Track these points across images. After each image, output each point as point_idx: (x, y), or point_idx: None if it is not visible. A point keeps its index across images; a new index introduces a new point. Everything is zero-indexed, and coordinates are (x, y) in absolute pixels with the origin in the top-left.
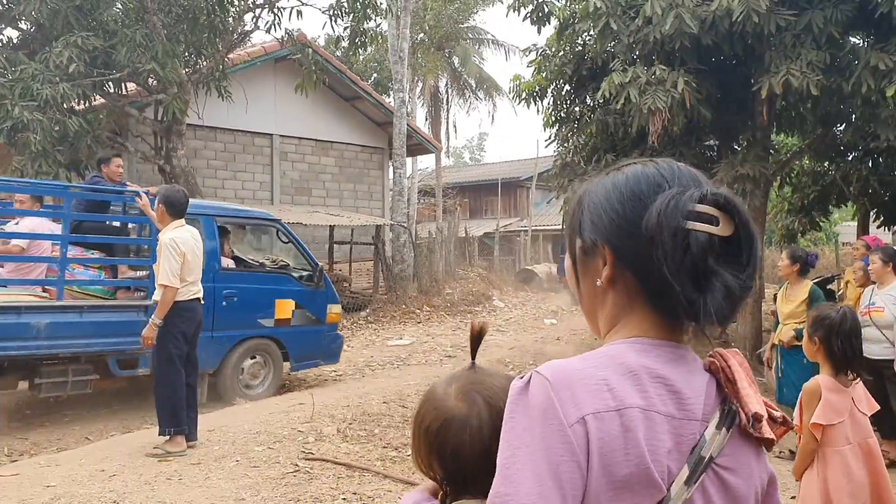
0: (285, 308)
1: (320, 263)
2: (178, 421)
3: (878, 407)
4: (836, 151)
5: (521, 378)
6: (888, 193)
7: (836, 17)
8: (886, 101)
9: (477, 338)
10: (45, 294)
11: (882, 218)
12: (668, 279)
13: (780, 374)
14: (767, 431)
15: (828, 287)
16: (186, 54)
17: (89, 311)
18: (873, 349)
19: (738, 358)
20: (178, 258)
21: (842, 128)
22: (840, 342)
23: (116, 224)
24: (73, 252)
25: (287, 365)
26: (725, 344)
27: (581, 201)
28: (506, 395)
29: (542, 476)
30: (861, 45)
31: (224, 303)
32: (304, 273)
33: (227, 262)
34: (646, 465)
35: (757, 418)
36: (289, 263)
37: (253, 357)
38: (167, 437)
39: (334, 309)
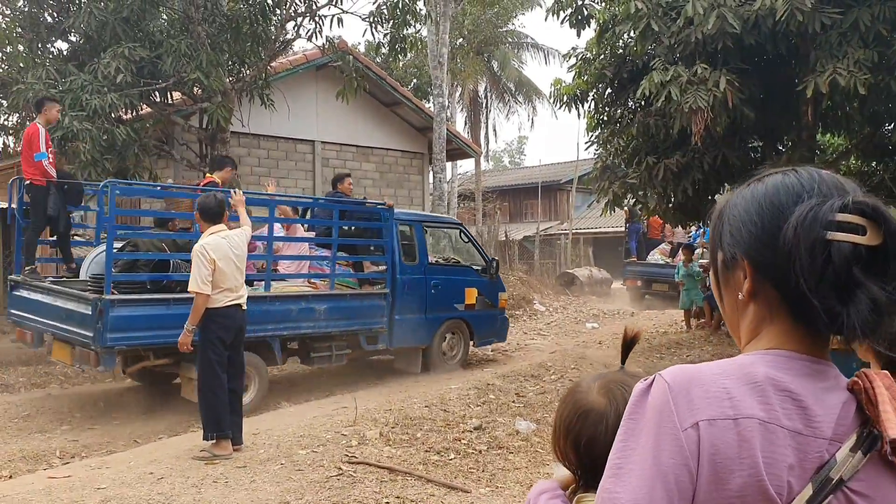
0: (472, 295)
1: (496, 258)
2: (221, 426)
3: None
4: (884, 151)
5: (646, 380)
6: None
7: (884, 15)
8: None
9: (629, 343)
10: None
11: None
12: (814, 295)
13: None
14: None
15: None
16: (230, 63)
17: (349, 298)
18: None
19: (886, 381)
20: (209, 265)
21: (890, 127)
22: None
23: (355, 229)
24: (327, 252)
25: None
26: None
27: (722, 214)
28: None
29: (650, 478)
30: None
31: (433, 291)
32: (481, 267)
33: (432, 259)
34: (759, 478)
35: (893, 445)
36: (459, 260)
37: (452, 334)
38: (212, 441)
39: (503, 296)
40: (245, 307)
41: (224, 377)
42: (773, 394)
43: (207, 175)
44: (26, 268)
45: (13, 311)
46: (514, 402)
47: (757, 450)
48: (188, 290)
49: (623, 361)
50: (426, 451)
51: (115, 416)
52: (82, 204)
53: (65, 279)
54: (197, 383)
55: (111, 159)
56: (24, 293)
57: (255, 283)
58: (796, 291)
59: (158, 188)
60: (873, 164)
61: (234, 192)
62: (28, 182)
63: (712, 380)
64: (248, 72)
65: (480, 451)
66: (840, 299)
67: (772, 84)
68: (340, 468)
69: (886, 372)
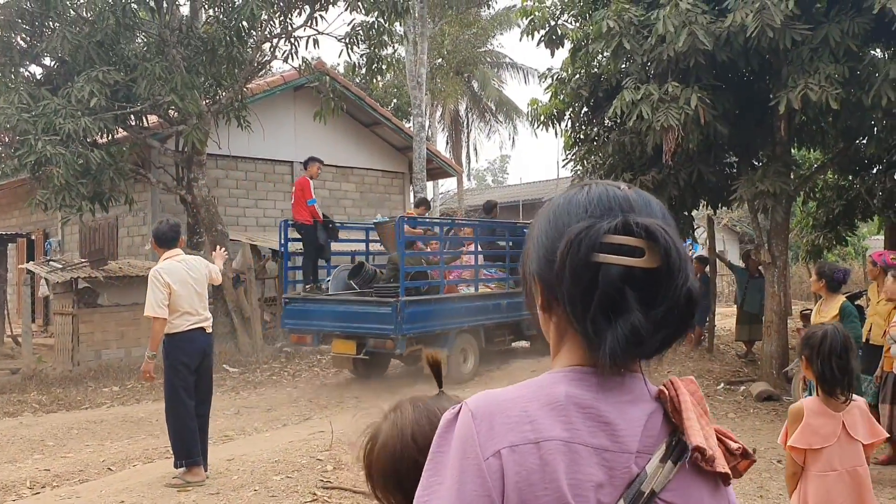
0: None
1: None
2: (191, 453)
3: (885, 434)
4: (859, 165)
5: (453, 409)
6: None
7: (854, 30)
8: None
9: (435, 367)
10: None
11: None
12: (569, 315)
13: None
14: (721, 465)
15: (855, 303)
16: (206, 85)
17: (510, 296)
18: None
19: (690, 387)
20: (163, 289)
21: (864, 141)
22: (820, 363)
23: (502, 244)
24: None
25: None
26: (752, 364)
27: (530, 228)
28: (434, 415)
29: None
30: (880, 57)
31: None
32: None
33: None
34: (564, 501)
35: (699, 451)
36: None
37: None
38: (183, 469)
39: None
40: (210, 331)
41: (191, 403)
42: (575, 412)
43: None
44: (306, 286)
45: (288, 322)
46: None
47: (560, 472)
48: (145, 314)
49: (439, 385)
50: None
51: (88, 443)
52: (338, 238)
53: (311, 293)
54: (165, 410)
55: (86, 184)
56: (303, 306)
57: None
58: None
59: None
60: (849, 178)
61: (218, 248)
62: (298, 223)
63: (514, 404)
64: (224, 94)
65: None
66: (607, 323)
67: (745, 100)
68: (315, 494)
69: (691, 378)
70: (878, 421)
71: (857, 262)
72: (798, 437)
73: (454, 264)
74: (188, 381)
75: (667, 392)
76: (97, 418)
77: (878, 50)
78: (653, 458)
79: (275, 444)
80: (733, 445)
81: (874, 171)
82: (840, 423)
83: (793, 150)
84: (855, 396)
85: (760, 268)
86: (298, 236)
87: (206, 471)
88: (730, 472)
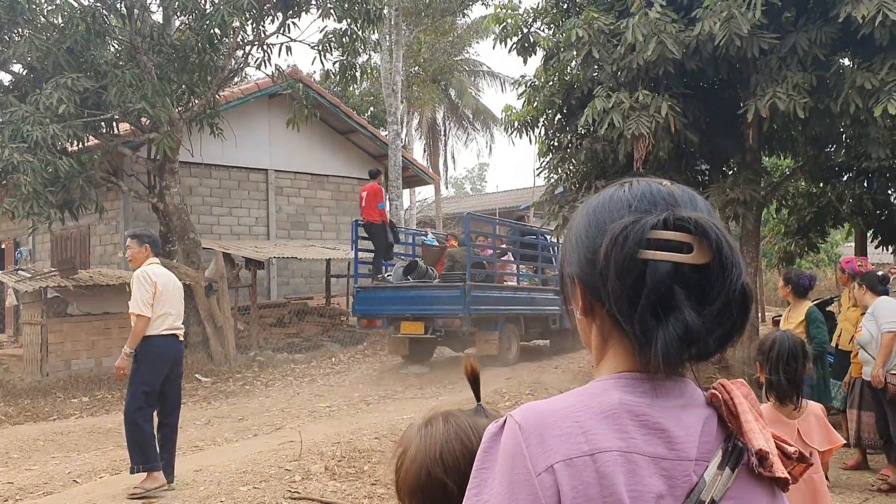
0: None
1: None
2: (148, 458)
3: (842, 441)
4: (829, 172)
5: (497, 422)
6: (883, 213)
7: (821, 39)
8: (875, 120)
9: (473, 378)
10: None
11: (879, 237)
12: (617, 315)
13: None
14: (780, 470)
15: (827, 309)
16: (178, 93)
17: (540, 291)
18: (867, 371)
19: (743, 389)
20: (150, 288)
21: (833, 148)
22: (769, 369)
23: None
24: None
25: None
26: (725, 370)
27: (568, 227)
28: (467, 435)
29: None
30: (847, 65)
31: None
32: None
33: None
34: None
35: (762, 455)
36: None
37: None
38: (144, 476)
39: None
40: (182, 339)
41: (151, 410)
42: (630, 420)
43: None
44: (378, 276)
45: (359, 308)
46: None
47: (620, 484)
48: (129, 311)
49: (477, 398)
50: (372, 484)
51: (54, 455)
52: (399, 240)
53: (380, 283)
54: (124, 415)
55: (55, 192)
56: (373, 294)
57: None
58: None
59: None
60: (820, 185)
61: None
62: (368, 222)
63: (565, 415)
64: (196, 101)
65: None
66: (657, 322)
67: (715, 108)
68: None
69: (742, 381)
70: (847, 426)
71: (831, 269)
72: None
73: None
74: (154, 386)
75: (720, 396)
76: (65, 429)
77: (845, 59)
78: (710, 466)
79: (244, 455)
80: (790, 449)
81: (844, 178)
82: (794, 430)
83: (763, 158)
84: (811, 403)
85: None
86: (366, 235)
87: (172, 482)
88: (789, 476)
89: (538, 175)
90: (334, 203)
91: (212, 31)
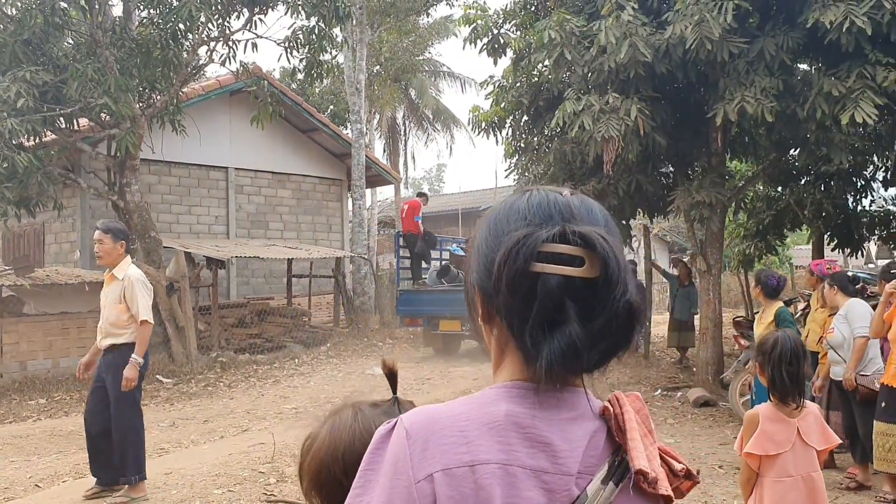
0: None
1: None
2: (141, 467)
3: (837, 441)
4: (789, 176)
5: (388, 423)
6: (841, 217)
7: (788, 44)
8: (840, 126)
9: (390, 375)
10: None
11: (836, 241)
12: (505, 327)
13: (753, 398)
14: (664, 487)
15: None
16: (140, 88)
17: None
18: (837, 371)
19: (636, 404)
20: (150, 294)
21: (795, 152)
22: (771, 369)
23: None
24: None
25: None
26: (687, 370)
27: (472, 237)
28: (371, 436)
29: None
30: (813, 71)
31: None
32: None
33: None
34: None
35: (643, 476)
36: None
37: None
38: (130, 485)
39: None
40: None
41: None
42: (514, 433)
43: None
44: (418, 281)
45: (402, 308)
46: None
47: (496, 498)
48: (141, 319)
49: (394, 391)
50: None
51: (13, 459)
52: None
53: (421, 287)
54: (117, 423)
55: (11, 187)
56: (415, 296)
57: None
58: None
59: None
60: (779, 189)
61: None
62: (407, 233)
63: (451, 423)
64: (158, 97)
65: None
66: (544, 335)
67: (682, 111)
68: None
69: (637, 394)
70: None
71: (783, 271)
72: (754, 444)
73: None
74: (141, 392)
75: (611, 409)
76: (23, 433)
77: (812, 64)
78: (594, 479)
79: (214, 457)
80: (677, 466)
81: (803, 182)
82: (795, 429)
83: (727, 162)
84: (809, 403)
85: (692, 276)
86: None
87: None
88: (672, 494)
89: (507, 177)
90: (295, 202)
91: (177, 26)
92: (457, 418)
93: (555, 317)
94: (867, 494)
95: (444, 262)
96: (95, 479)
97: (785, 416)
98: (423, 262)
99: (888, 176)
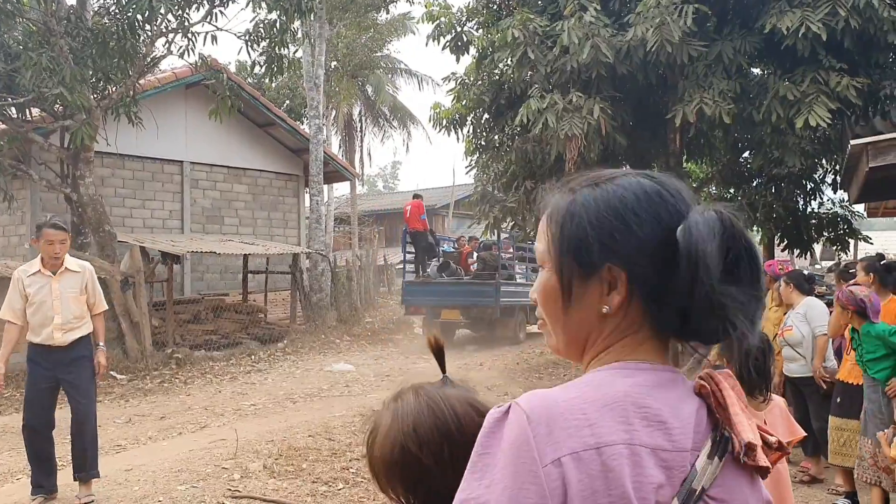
0: None
1: None
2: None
3: (802, 433)
4: (742, 178)
5: (499, 407)
6: (790, 218)
7: (745, 49)
8: (794, 129)
9: (437, 351)
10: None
11: (786, 242)
12: (698, 306)
13: None
14: (762, 459)
15: None
16: (95, 79)
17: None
18: (792, 367)
19: (730, 381)
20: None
21: (749, 155)
22: (739, 363)
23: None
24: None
25: None
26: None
27: (567, 217)
28: (438, 406)
29: None
30: (769, 75)
31: None
32: None
33: None
34: None
35: (750, 448)
36: None
37: None
38: (86, 481)
39: None
40: None
41: None
42: (633, 412)
43: None
44: (421, 275)
45: (407, 298)
46: None
47: (626, 477)
48: (103, 309)
49: (443, 370)
50: (313, 481)
51: None
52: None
53: (425, 279)
54: (86, 417)
55: None
56: (420, 287)
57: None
58: (666, 303)
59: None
60: (731, 190)
61: None
62: (414, 231)
63: (571, 406)
64: (114, 89)
65: (369, 480)
66: (713, 309)
67: (642, 112)
68: (224, 503)
69: (728, 371)
70: None
71: None
72: None
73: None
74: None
75: (707, 387)
76: None
77: (768, 68)
78: (701, 455)
79: (174, 453)
80: (771, 439)
81: (755, 184)
82: (761, 421)
83: (683, 163)
84: (775, 396)
85: None
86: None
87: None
88: (770, 466)
89: (467, 174)
90: (251, 197)
91: (135, 17)
92: (574, 401)
93: (719, 291)
94: (820, 487)
95: (442, 259)
96: (39, 489)
97: (752, 409)
98: (427, 258)
99: (836, 179)
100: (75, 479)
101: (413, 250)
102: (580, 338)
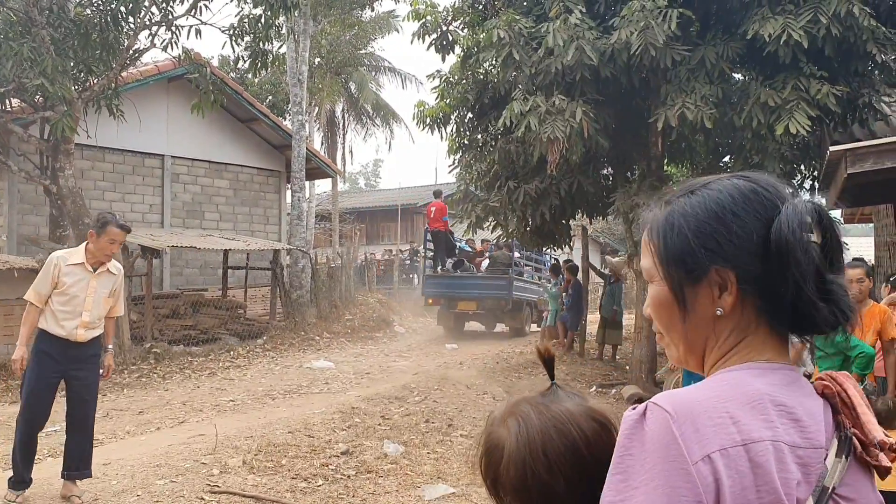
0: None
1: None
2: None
3: None
4: None
5: (635, 409)
6: None
7: (727, 54)
8: (774, 135)
9: (547, 360)
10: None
11: None
12: (806, 297)
13: None
14: (885, 459)
15: None
16: (76, 71)
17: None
18: None
19: (852, 381)
20: None
21: (729, 159)
22: None
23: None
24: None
25: None
26: (619, 369)
27: (667, 231)
28: (564, 426)
29: None
30: (750, 80)
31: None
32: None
33: None
34: (780, 501)
35: (882, 447)
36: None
37: None
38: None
39: None
40: None
41: None
42: (772, 410)
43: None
44: (439, 269)
45: (428, 290)
46: (379, 424)
47: (773, 472)
48: (122, 313)
49: (552, 377)
50: (293, 478)
51: None
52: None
53: (445, 274)
54: (89, 416)
55: None
56: (440, 280)
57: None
58: (780, 298)
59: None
60: None
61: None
62: (435, 230)
63: (713, 404)
64: (96, 81)
65: (349, 476)
66: (822, 298)
67: (624, 115)
68: (203, 498)
69: (846, 373)
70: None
71: None
72: None
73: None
74: None
75: (832, 387)
76: None
77: (749, 74)
78: (829, 454)
79: (153, 448)
80: (890, 440)
81: None
82: None
83: (664, 166)
84: None
85: (620, 275)
86: (431, 239)
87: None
88: (892, 466)
89: (450, 173)
90: (232, 192)
91: (119, 8)
92: (714, 400)
93: (824, 281)
94: None
95: (456, 258)
96: (21, 484)
97: None
98: (447, 255)
99: (815, 185)
100: (65, 477)
101: (433, 248)
102: (698, 345)
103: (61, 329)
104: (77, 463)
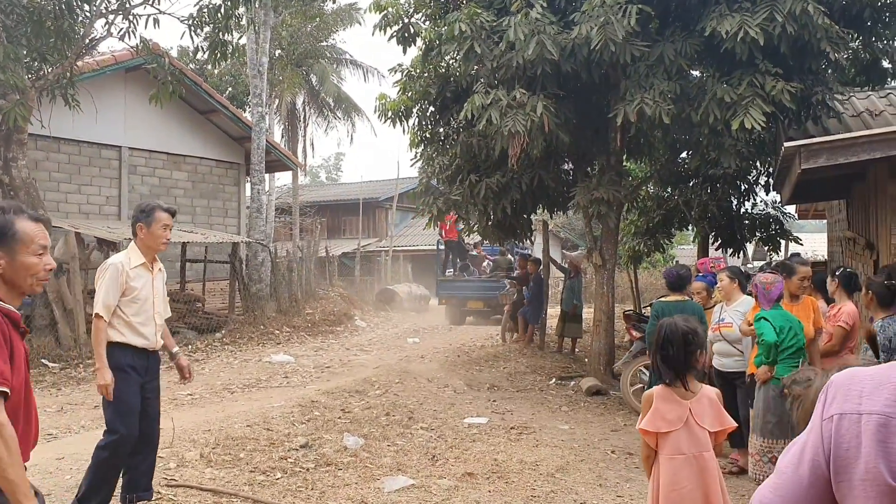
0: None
1: None
2: None
3: (733, 424)
4: (679, 178)
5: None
6: (725, 218)
7: (686, 51)
8: (730, 131)
9: (871, 339)
10: None
11: (720, 241)
12: None
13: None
14: None
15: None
16: (29, 59)
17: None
18: (725, 362)
19: None
20: None
21: (687, 155)
22: (652, 354)
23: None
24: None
25: None
26: (577, 361)
27: None
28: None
29: (798, 452)
30: (708, 77)
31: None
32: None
33: None
34: (876, 466)
35: None
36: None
37: None
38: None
39: None
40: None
41: None
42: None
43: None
44: (450, 272)
45: (441, 292)
46: (339, 418)
47: (872, 441)
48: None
49: (877, 356)
50: (251, 471)
51: None
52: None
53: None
54: (157, 433)
55: None
56: (452, 283)
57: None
58: None
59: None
60: (668, 189)
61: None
62: (449, 239)
63: (859, 379)
64: (50, 70)
65: (308, 469)
66: None
67: (584, 110)
68: (160, 492)
69: None
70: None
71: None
72: (647, 421)
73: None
74: None
75: None
76: None
77: (707, 70)
78: None
79: None
80: None
81: (692, 184)
82: (687, 409)
83: (624, 161)
84: (706, 387)
85: (580, 269)
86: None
87: None
88: None
89: (412, 167)
90: (191, 185)
91: None
92: (864, 375)
93: None
94: (748, 478)
95: (462, 263)
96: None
97: (678, 397)
98: (458, 260)
99: (770, 181)
100: (134, 500)
101: (445, 255)
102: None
103: (142, 339)
104: (148, 482)
